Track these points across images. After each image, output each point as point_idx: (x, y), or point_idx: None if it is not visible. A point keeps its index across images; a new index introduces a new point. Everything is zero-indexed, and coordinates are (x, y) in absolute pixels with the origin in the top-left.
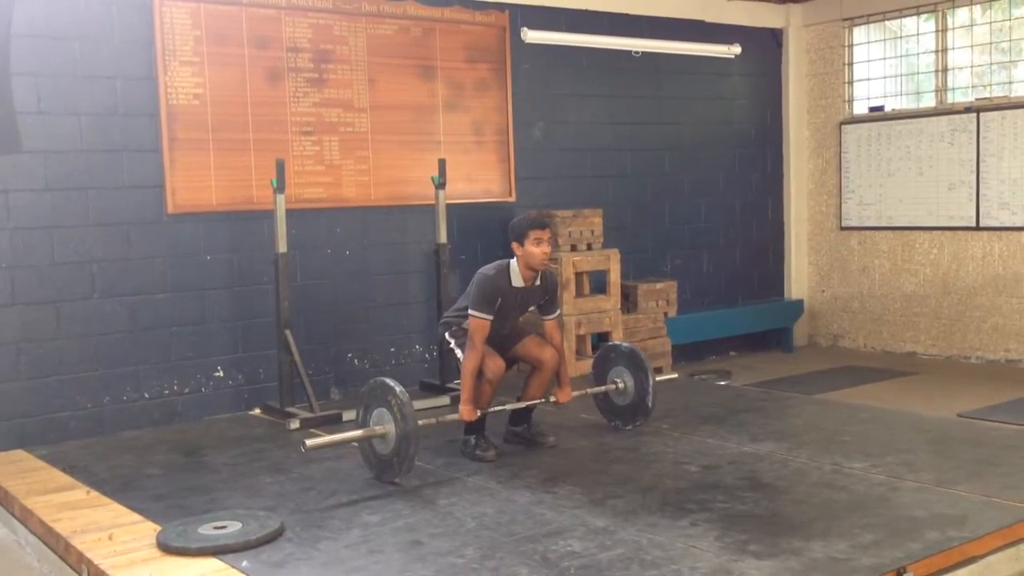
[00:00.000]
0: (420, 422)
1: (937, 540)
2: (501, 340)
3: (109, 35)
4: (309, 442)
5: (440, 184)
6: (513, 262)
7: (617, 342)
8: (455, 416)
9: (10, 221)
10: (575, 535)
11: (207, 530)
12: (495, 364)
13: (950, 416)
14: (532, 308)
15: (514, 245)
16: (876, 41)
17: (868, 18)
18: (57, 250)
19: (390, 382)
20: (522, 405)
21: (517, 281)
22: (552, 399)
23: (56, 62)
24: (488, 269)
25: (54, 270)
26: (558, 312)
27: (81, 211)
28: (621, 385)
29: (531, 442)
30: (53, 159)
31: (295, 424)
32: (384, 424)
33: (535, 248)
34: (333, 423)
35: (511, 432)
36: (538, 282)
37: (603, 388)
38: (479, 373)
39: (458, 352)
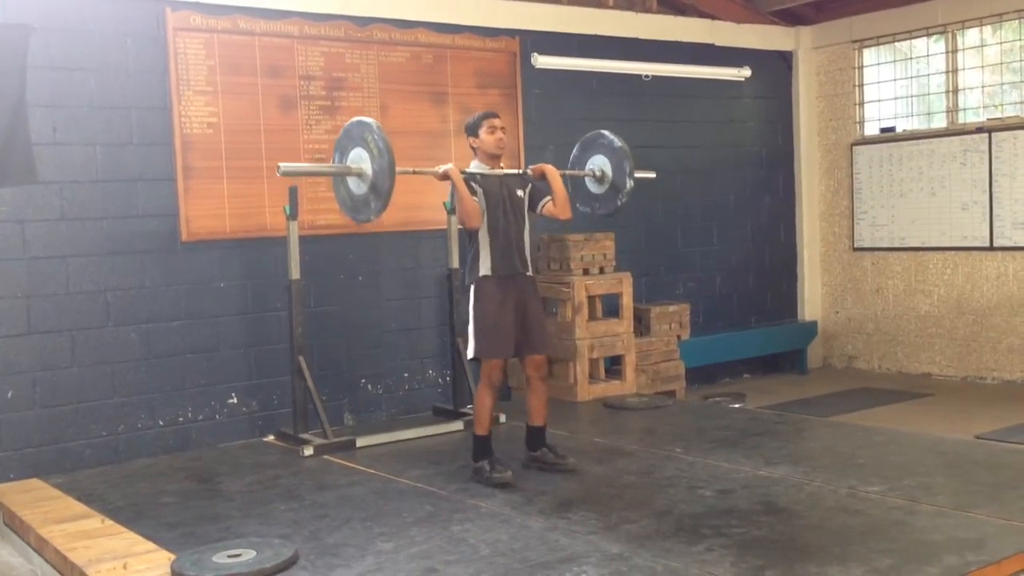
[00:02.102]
0: (397, 170)
1: (956, 564)
2: (511, 242)
3: (124, 66)
4: (283, 165)
5: (452, 209)
6: (473, 163)
7: (601, 133)
8: (433, 170)
9: (26, 251)
10: (590, 561)
11: (221, 559)
12: (497, 374)
13: (967, 438)
14: (521, 193)
15: (470, 141)
16: (886, 62)
17: (878, 40)
18: (72, 279)
19: (367, 120)
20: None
21: (482, 170)
22: (529, 170)
23: (72, 93)
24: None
25: (69, 299)
26: (550, 196)
27: (96, 240)
28: (598, 173)
29: (552, 466)
30: (68, 189)
31: (309, 450)
32: (361, 164)
33: (489, 136)
34: (347, 449)
35: (530, 457)
36: (503, 165)
37: (581, 173)
38: (488, 387)
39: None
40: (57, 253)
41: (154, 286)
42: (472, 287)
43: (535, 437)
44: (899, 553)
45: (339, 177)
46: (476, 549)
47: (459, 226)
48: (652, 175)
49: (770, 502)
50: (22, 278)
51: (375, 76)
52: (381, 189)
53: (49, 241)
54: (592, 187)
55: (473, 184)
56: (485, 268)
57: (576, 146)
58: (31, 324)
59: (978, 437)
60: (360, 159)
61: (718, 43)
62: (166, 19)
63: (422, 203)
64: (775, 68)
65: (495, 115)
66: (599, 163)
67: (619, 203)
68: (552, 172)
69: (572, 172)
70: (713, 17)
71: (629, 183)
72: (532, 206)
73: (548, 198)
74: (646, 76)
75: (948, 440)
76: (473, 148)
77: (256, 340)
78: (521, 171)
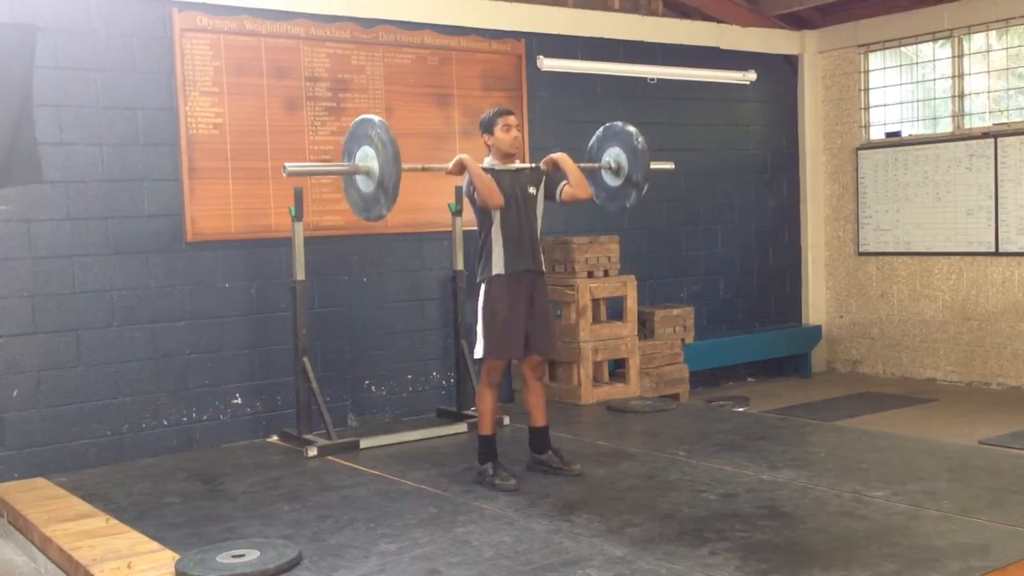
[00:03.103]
0: (405, 166)
1: (959, 570)
2: (523, 238)
3: (130, 66)
4: (289, 166)
5: (457, 211)
6: (487, 159)
7: (617, 124)
8: (443, 166)
9: (31, 250)
10: (593, 564)
11: (225, 559)
12: (497, 374)
13: (971, 443)
14: (533, 190)
15: (484, 138)
16: (892, 67)
17: (884, 44)
18: (77, 279)
19: (370, 117)
20: None
21: (494, 166)
22: (541, 166)
23: (78, 93)
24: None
25: (74, 299)
26: (566, 180)
27: (101, 240)
28: (614, 165)
29: (557, 471)
30: (74, 189)
31: (312, 451)
32: (368, 162)
33: (505, 134)
34: (351, 450)
35: (534, 460)
36: (518, 162)
37: (596, 165)
38: (488, 385)
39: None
40: (62, 252)
41: (159, 286)
42: (483, 285)
43: (539, 439)
44: (903, 558)
45: (348, 176)
46: (479, 551)
47: (481, 206)
48: (670, 166)
49: (774, 506)
50: (27, 277)
51: (381, 77)
52: (388, 183)
53: (55, 240)
54: (608, 179)
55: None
56: (498, 266)
57: (593, 138)
58: (36, 323)
59: (982, 442)
60: (367, 157)
61: (723, 46)
62: (173, 20)
63: (426, 205)
64: (780, 72)
65: (510, 112)
66: (615, 155)
67: (634, 198)
68: (563, 158)
69: (587, 164)
70: (718, 20)
71: (645, 175)
72: (550, 195)
73: (564, 182)
74: (651, 79)
75: (952, 445)
76: (488, 146)
77: (260, 341)
78: (533, 165)
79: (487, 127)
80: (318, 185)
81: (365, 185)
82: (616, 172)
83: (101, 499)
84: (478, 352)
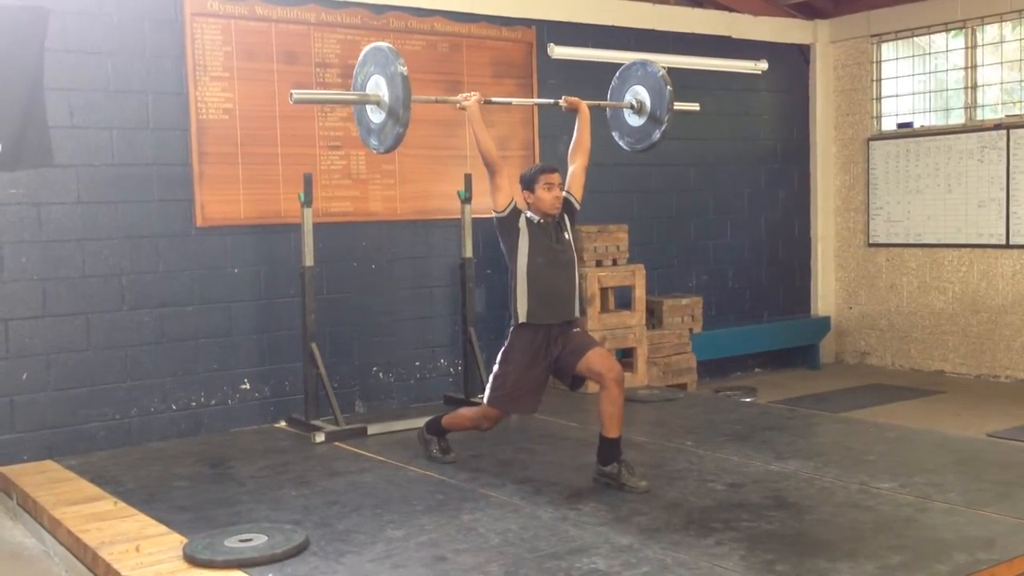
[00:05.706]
0: (419, 98)
1: (966, 563)
2: (553, 290)
3: (141, 51)
4: (296, 93)
5: (466, 198)
6: (527, 213)
7: (640, 61)
8: (455, 99)
9: (42, 234)
10: (599, 552)
11: (233, 543)
12: (489, 423)
13: (979, 436)
14: (567, 234)
15: (524, 195)
16: (904, 57)
17: (896, 35)
18: (88, 263)
19: (379, 44)
20: None
21: (532, 218)
22: (561, 103)
23: (89, 77)
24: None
25: (84, 282)
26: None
27: (112, 224)
28: (636, 104)
29: (621, 486)
30: (85, 173)
31: (320, 437)
32: (379, 91)
33: (547, 194)
34: (358, 436)
35: (599, 471)
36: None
37: (620, 105)
38: (474, 424)
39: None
40: (73, 236)
41: (168, 271)
42: (510, 332)
43: (607, 451)
44: (909, 550)
45: (359, 105)
46: (486, 538)
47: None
48: (695, 107)
49: (780, 496)
50: (38, 261)
51: None
52: (397, 112)
53: (65, 224)
54: (631, 119)
55: (519, 225)
56: (523, 314)
57: (615, 76)
58: (46, 307)
59: (990, 435)
60: (378, 87)
61: (735, 35)
62: (183, 4)
63: (435, 192)
64: (792, 61)
65: (554, 170)
66: (637, 93)
67: (658, 136)
68: (584, 111)
69: (610, 104)
70: (730, 9)
71: (668, 115)
72: (572, 212)
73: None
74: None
75: (960, 438)
76: (528, 203)
77: (269, 326)
78: (554, 101)
79: (528, 184)
80: (328, 172)
81: (376, 115)
82: (639, 111)
83: (110, 482)
84: (485, 398)
